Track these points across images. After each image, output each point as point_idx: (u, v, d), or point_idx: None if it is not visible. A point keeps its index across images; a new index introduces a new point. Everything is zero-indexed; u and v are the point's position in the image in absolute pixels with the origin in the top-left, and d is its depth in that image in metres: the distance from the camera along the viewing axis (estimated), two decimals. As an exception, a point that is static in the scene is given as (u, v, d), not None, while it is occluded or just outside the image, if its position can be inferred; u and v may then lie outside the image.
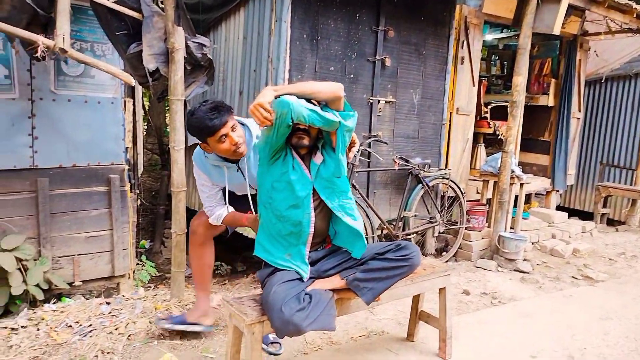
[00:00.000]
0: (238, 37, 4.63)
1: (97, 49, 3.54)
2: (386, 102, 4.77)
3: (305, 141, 2.38)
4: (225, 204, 2.85)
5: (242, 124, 2.76)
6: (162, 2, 2.97)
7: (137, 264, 4.20)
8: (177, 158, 3.11)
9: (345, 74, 4.49)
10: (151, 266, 4.23)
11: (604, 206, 7.43)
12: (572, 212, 7.80)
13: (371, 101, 4.68)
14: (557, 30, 4.82)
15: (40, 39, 2.42)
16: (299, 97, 2.24)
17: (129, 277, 3.88)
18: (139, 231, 6.46)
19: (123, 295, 3.65)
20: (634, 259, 5.63)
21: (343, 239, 2.61)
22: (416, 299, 3.15)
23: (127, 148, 3.77)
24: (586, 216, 7.70)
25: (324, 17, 4.28)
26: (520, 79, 4.98)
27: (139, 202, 4.40)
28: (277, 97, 2.23)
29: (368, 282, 2.50)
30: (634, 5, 5.69)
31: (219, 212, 2.78)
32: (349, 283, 2.50)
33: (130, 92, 3.81)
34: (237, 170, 2.75)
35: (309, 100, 2.29)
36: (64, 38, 2.43)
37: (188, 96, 3.09)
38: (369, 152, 4.69)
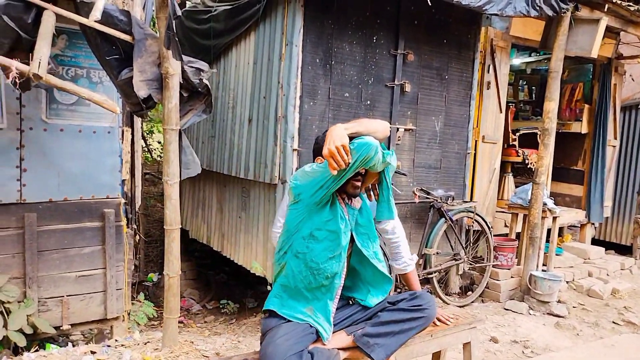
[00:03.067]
0: (248, 63, 4.39)
1: (94, 75, 3.33)
2: (405, 130, 4.44)
3: (359, 190, 2.21)
4: None
5: None
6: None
7: (135, 303, 3.92)
8: (170, 193, 2.83)
9: (362, 101, 4.19)
10: (150, 306, 3.93)
11: (644, 240, 6.88)
12: (608, 246, 7.24)
13: (389, 129, 4.35)
14: (595, 53, 4.46)
15: (14, 64, 2.19)
16: (363, 135, 1.97)
17: (124, 320, 3.58)
18: (148, 263, 6.21)
19: (116, 340, 3.35)
20: (681, 302, 5.10)
21: (357, 288, 2.32)
22: (436, 357, 2.76)
23: (124, 180, 3.52)
24: (623, 250, 7.14)
25: (339, 40, 4.01)
26: (552, 105, 4.60)
27: (137, 237, 4.14)
28: (350, 137, 1.94)
29: (379, 338, 2.16)
30: (675, 25, 5.28)
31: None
32: (357, 340, 2.16)
33: (129, 120, 3.58)
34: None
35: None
36: (39, 63, 2.20)
37: (184, 125, 2.82)
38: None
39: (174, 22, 2.57)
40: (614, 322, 4.41)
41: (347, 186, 2.15)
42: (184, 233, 5.96)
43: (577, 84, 6.86)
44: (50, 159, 3.22)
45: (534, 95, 7.80)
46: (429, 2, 3.65)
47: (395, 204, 4.45)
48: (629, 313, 4.63)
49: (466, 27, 4.68)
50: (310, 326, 2.11)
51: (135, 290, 4.91)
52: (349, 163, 1.92)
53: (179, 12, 2.56)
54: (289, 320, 2.12)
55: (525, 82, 7.85)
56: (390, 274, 2.70)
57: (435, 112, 4.61)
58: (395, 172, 4.28)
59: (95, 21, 2.50)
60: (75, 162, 3.31)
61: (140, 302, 3.93)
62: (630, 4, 4.88)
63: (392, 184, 4.23)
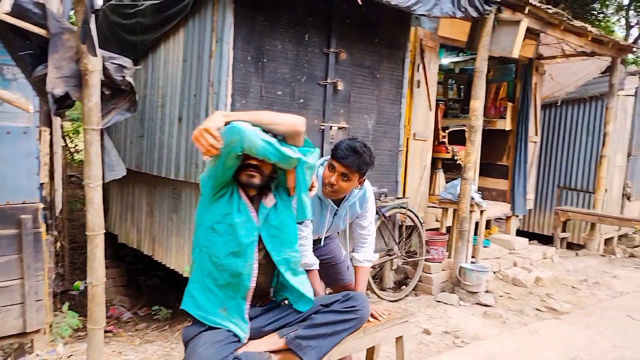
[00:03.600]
0: (177, 60, 4.26)
1: (7, 72, 3.09)
2: (339, 128, 4.47)
3: (256, 180, 2.06)
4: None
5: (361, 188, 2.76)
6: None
7: (58, 314, 3.69)
8: (92, 196, 2.67)
9: (295, 99, 4.17)
10: (74, 317, 3.72)
11: (563, 230, 7.32)
12: (532, 236, 7.67)
13: (322, 127, 4.37)
14: (516, 54, 4.68)
15: None
16: (253, 126, 1.93)
17: (45, 333, 3.37)
18: (74, 270, 5.89)
19: (37, 354, 3.15)
20: (596, 286, 5.47)
21: (286, 293, 2.26)
22: (370, 352, 2.79)
23: (42, 184, 3.29)
24: (545, 240, 7.59)
25: (270, 37, 3.96)
26: (477, 103, 4.78)
27: (58, 244, 3.90)
28: (227, 123, 1.93)
29: (312, 340, 2.14)
30: (589, 28, 5.64)
31: (308, 261, 2.59)
32: (289, 342, 2.13)
33: (48, 120, 3.36)
34: (333, 215, 2.77)
35: (265, 131, 1.97)
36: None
37: (106, 124, 2.68)
38: (322, 182, 4.35)
39: (93, 16, 2.43)
40: (537, 309, 4.65)
41: (241, 176, 2.07)
42: (112, 237, 5.71)
43: (502, 83, 7.19)
44: (-42, 162, 2.97)
45: (462, 94, 8.09)
46: (360, 2, 3.68)
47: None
48: (550, 300, 4.90)
49: (396, 26, 4.76)
50: (229, 332, 2.06)
51: (60, 300, 4.64)
52: (220, 149, 1.92)
53: (98, 5, 2.41)
54: (210, 327, 2.07)
55: (454, 81, 8.14)
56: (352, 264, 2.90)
57: (367, 110, 4.67)
58: (329, 170, 4.30)
59: (6, 14, 2.32)
60: (-14, 165, 3.07)
61: (64, 312, 3.71)
62: (549, 6, 5.16)
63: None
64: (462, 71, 8.23)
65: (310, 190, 2.24)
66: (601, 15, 14.36)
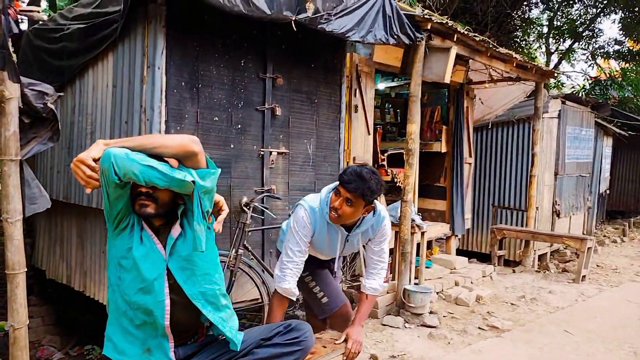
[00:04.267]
0: (107, 85, 4.08)
1: None
2: (278, 153, 4.42)
3: (149, 209, 1.90)
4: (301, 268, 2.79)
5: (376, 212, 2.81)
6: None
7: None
8: (12, 232, 2.48)
9: (232, 124, 4.10)
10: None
11: (500, 248, 7.56)
12: (471, 255, 7.87)
13: (262, 153, 4.31)
14: (447, 79, 4.84)
15: None
16: (137, 151, 1.79)
17: (-40, 383, 3.06)
18: (-5, 311, 5.45)
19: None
20: (533, 302, 5.64)
21: (215, 329, 2.14)
22: (316, 384, 2.71)
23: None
24: (484, 258, 7.80)
25: (205, 63, 3.89)
26: (414, 127, 4.89)
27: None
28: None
29: None
30: (514, 54, 5.94)
31: (289, 287, 2.66)
32: (232, 381, 2.02)
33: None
34: (345, 241, 2.81)
35: (157, 157, 1.84)
36: None
37: (26, 155, 2.51)
38: (262, 209, 4.27)
39: (10, 40, 2.28)
40: (479, 328, 4.72)
41: (134, 206, 1.93)
42: (40, 273, 5.33)
43: (436, 107, 7.44)
44: None
45: (399, 118, 8.30)
46: (294, 28, 3.70)
47: (272, 228, 4.42)
48: (492, 317, 5.00)
49: (332, 52, 4.82)
50: None
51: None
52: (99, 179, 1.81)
53: (16, 30, 2.28)
54: None
55: (390, 105, 8.34)
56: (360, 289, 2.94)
57: (307, 135, 4.66)
58: (270, 196, 4.24)
59: None
60: None
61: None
62: (476, 34, 5.40)
63: (265, 207, 4.19)
64: (398, 95, 8.45)
65: (217, 214, 2.11)
66: (524, 42, 15.27)
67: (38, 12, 2.52)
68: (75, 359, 4.96)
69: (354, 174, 2.48)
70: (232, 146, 4.10)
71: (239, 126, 4.15)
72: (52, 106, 2.49)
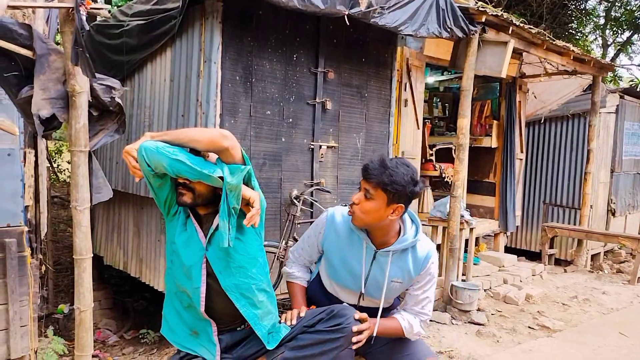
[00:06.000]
0: (164, 80, 4.23)
1: (-9, 92, 3.04)
2: (328, 147, 4.46)
3: (186, 198, 1.97)
4: (310, 272, 2.49)
5: (412, 221, 2.28)
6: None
7: (43, 339, 3.58)
8: (80, 220, 2.61)
9: (284, 118, 4.16)
10: (59, 342, 3.61)
11: (551, 246, 7.36)
12: (519, 253, 7.70)
13: (312, 146, 4.35)
14: (504, 73, 4.74)
15: None
16: (175, 145, 1.87)
17: (30, 359, 3.25)
18: (58, 293, 5.75)
19: (20, 383, 3.03)
20: (586, 303, 5.48)
21: None
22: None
23: (27, 207, 3.21)
24: (532, 256, 7.62)
25: (259, 57, 3.96)
26: (465, 121, 4.82)
27: (43, 268, 3.81)
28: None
29: None
30: (571, 47, 5.75)
31: (292, 271, 2.42)
32: (276, 365, 2.06)
33: (32, 141, 3.30)
34: (372, 260, 2.21)
35: (193, 150, 1.92)
36: None
37: (94, 146, 2.63)
38: (312, 202, 4.32)
39: (82, 36, 2.40)
40: (529, 327, 4.63)
41: (177, 195, 2.00)
42: (98, 259, 5.59)
43: (486, 101, 7.28)
44: (-61, 185, 2.89)
45: (447, 112, 8.19)
46: (347, 22, 3.71)
47: (320, 221, 4.45)
48: (542, 317, 4.88)
49: (383, 46, 4.80)
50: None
51: (44, 324, 4.51)
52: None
53: (87, 27, 2.39)
54: (187, 355, 2.04)
55: (438, 100, 8.23)
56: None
57: (356, 129, 4.67)
58: (319, 189, 4.29)
59: (-9, 35, 2.28)
60: (-31, 188, 2.99)
61: (49, 338, 3.59)
62: (532, 27, 5.25)
63: (314, 200, 4.23)
64: (447, 89, 8.33)
65: (248, 207, 1.98)
66: (579, 34, 14.70)
67: (106, 9, 2.63)
68: (130, 342, 5.18)
69: (376, 162, 2.07)
70: (283, 140, 4.17)
71: (290, 120, 4.20)
72: (119, 100, 2.60)
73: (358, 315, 2.08)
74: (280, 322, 2.17)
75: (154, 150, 1.83)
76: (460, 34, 4.49)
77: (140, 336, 5.03)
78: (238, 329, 2.10)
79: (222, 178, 1.85)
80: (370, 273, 2.22)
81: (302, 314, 2.15)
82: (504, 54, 4.71)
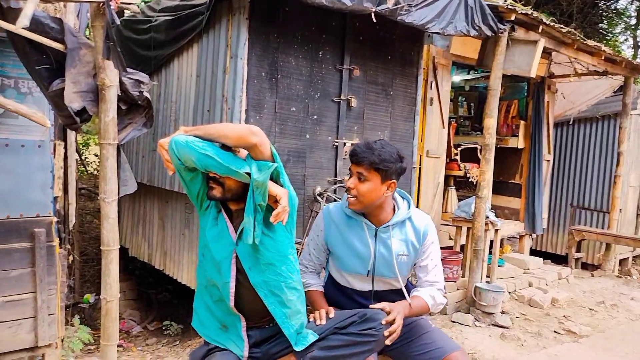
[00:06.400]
0: (191, 75, 4.27)
1: (22, 85, 3.11)
2: (352, 144, 4.43)
3: (215, 192, 1.98)
4: (321, 272, 2.49)
5: (403, 197, 2.41)
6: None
7: (69, 327, 3.66)
8: (108, 212, 2.66)
9: (308, 115, 4.16)
10: (85, 331, 3.68)
11: (578, 250, 7.20)
12: (545, 256, 7.54)
13: (336, 144, 4.34)
14: (533, 73, 4.66)
15: None
16: (206, 140, 1.88)
17: (57, 347, 3.32)
18: (84, 283, 5.87)
19: (47, 370, 3.10)
20: (614, 309, 5.35)
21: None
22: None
23: (56, 197, 3.28)
24: (558, 259, 7.47)
25: (284, 54, 3.97)
26: (491, 121, 4.75)
27: (71, 257, 3.88)
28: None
29: None
30: (603, 47, 5.61)
31: (305, 281, 2.39)
32: (305, 364, 2.06)
33: (62, 133, 3.36)
34: (374, 237, 2.29)
35: (226, 146, 1.93)
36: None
37: (122, 140, 2.67)
38: (335, 199, 4.31)
39: (112, 31, 2.43)
40: (555, 332, 4.54)
41: (208, 189, 2.01)
42: (123, 251, 5.66)
43: (512, 101, 7.16)
44: (-28, 175, 2.97)
45: (472, 111, 8.08)
46: (374, 19, 3.69)
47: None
48: (568, 322, 4.79)
49: (410, 44, 4.76)
50: (232, 353, 2.02)
51: (70, 313, 4.60)
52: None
53: (117, 21, 2.42)
54: (216, 347, 2.05)
55: (464, 99, 8.12)
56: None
57: (381, 127, 4.65)
58: (343, 187, 4.27)
59: (24, 28, 2.32)
60: (1, 178, 3.05)
61: (75, 326, 3.67)
62: (562, 26, 5.14)
63: (338, 197, 4.22)
64: (472, 89, 8.22)
65: (276, 204, 1.94)
66: (610, 34, 14.36)
67: (136, 4, 2.66)
68: (153, 333, 5.26)
69: (362, 146, 2.19)
70: (307, 136, 4.17)
71: (315, 117, 4.20)
72: (147, 94, 2.64)
73: (384, 320, 2.09)
74: (308, 321, 2.16)
75: (183, 144, 1.84)
76: (488, 33, 4.42)
77: (163, 327, 5.11)
78: (266, 326, 2.11)
79: (248, 174, 1.85)
80: (377, 252, 2.30)
81: (331, 315, 2.15)
82: (534, 53, 4.62)
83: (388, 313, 2.12)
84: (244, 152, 1.97)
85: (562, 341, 4.34)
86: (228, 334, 2.04)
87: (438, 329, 2.44)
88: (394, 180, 2.23)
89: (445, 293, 4.81)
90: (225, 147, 1.92)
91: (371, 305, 2.19)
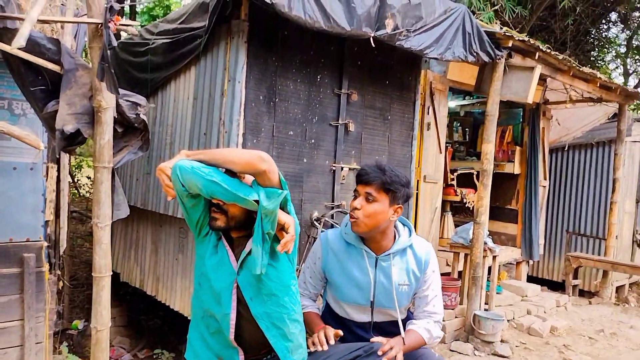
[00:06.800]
0: (188, 98, 4.23)
1: (16, 107, 3.05)
2: (350, 169, 4.39)
3: (219, 222, 1.89)
4: (317, 299, 2.43)
5: (404, 224, 2.36)
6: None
7: (56, 355, 3.52)
8: (101, 237, 2.57)
9: (306, 139, 4.12)
10: (74, 361, 3.55)
11: (575, 277, 7.14)
12: (541, 282, 7.48)
13: (334, 168, 4.30)
14: (530, 99, 4.66)
15: None
16: (210, 165, 1.79)
17: (43, 378, 3.20)
18: (73, 309, 5.71)
19: (32, 403, 2.97)
20: (613, 337, 5.27)
21: None
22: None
23: (47, 221, 3.19)
24: (554, 286, 7.40)
25: (283, 77, 3.94)
26: (489, 147, 4.73)
27: (60, 284, 3.77)
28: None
29: None
30: (598, 74, 5.66)
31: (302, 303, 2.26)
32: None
33: (55, 156, 3.29)
34: (375, 267, 2.21)
35: (230, 171, 1.83)
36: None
37: (118, 163, 2.60)
38: (332, 224, 4.24)
39: (108, 52, 2.39)
40: (555, 361, 4.46)
41: (210, 219, 1.92)
42: (114, 276, 5.48)
43: (507, 126, 7.18)
44: (-39, 198, 2.88)
45: (467, 137, 8.09)
46: (373, 44, 3.68)
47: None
48: (569, 351, 4.70)
49: (407, 69, 4.76)
50: None
51: (58, 340, 4.45)
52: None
53: (115, 43, 2.38)
54: None
55: (459, 124, 8.15)
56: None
57: (378, 152, 4.61)
58: (341, 211, 4.21)
59: (20, 49, 2.28)
60: (-9, 201, 2.97)
61: (64, 354, 3.54)
62: (557, 53, 5.17)
63: (335, 223, 4.15)
64: (468, 114, 8.25)
65: (281, 232, 1.88)
66: (600, 62, 14.56)
67: (134, 26, 2.62)
68: (143, 362, 5.10)
69: (371, 166, 2.15)
70: (305, 160, 4.12)
71: (313, 141, 4.16)
72: (144, 117, 2.58)
73: (381, 350, 2.02)
74: (308, 350, 2.07)
75: (188, 170, 1.75)
76: (486, 59, 4.44)
77: (154, 356, 4.95)
78: (264, 359, 2.02)
79: (257, 202, 1.77)
80: (377, 281, 2.23)
81: (331, 342, 2.06)
82: (530, 80, 4.63)
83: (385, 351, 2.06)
84: (249, 178, 1.89)
85: (564, 372, 4.25)
86: None
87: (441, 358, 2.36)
88: (401, 206, 2.18)
89: (444, 321, 4.74)
90: (229, 173, 1.83)
91: (373, 339, 2.12)
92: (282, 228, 1.87)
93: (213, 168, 1.79)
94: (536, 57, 4.80)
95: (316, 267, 2.36)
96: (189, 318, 4.06)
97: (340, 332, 2.16)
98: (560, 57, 5.12)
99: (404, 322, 2.31)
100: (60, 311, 4.88)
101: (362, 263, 2.24)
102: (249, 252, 1.88)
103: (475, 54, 4.35)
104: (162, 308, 4.93)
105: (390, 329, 2.27)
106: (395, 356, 2.05)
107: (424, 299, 2.31)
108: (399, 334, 2.21)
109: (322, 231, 3.59)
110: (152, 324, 5.92)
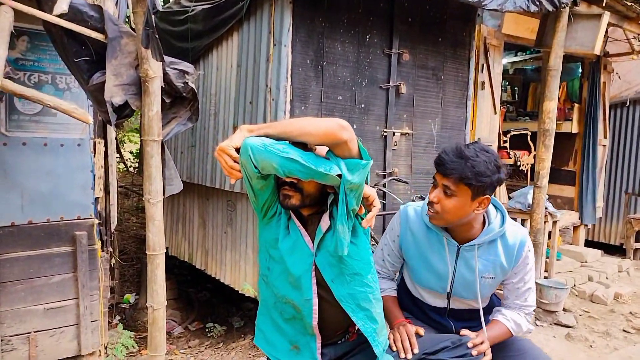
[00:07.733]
0: (231, 66, 4.05)
1: (60, 81, 2.94)
2: (402, 134, 4.16)
3: (293, 200, 1.67)
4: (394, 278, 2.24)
5: (496, 208, 2.03)
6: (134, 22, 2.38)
7: (112, 333, 3.52)
8: (154, 213, 2.46)
9: (355, 104, 3.90)
10: (128, 336, 3.54)
11: (636, 240, 6.76)
12: (597, 246, 7.13)
13: (385, 133, 4.07)
14: (597, 50, 4.28)
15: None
16: (281, 139, 1.56)
17: (100, 355, 3.18)
18: (123, 283, 5.78)
19: (92, 379, 2.96)
20: (684, 304, 4.95)
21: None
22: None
23: (97, 198, 3.12)
24: (613, 250, 7.04)
25: (330, 39, 3.71)
26: (552, 105, 4.39)
27: (113, 261, 3.74)
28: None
29: None
30: (671, 21, 5.16)
31: (383, 287, 2.12)
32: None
33: (102, 131, 3.20)
34: (455, 257, 1.98)
35: (300, 143, 1.59)
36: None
37: (167, 136, 2.46)
38: (384, 192, 4.05)
39: (152, 18, 2.22)
40: (624, 330, 4.20)
41: (279, 196, 1.71)
42: (162, 250, 5.56)
43: (561, 83, 6.72)
44: (11, 177, 2.82)
45: (516, 96, 7.66)
46: (428, -3, 3.40)
47: (393, 214, 4.20)
48: (636, 319, 4.43)
49: (461, 24, 4.44)
50: None
51: (111, 314, 4.49)
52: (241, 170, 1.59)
53: (160, 6, 2.21)
54: None
55: (507, 83, 7.70)
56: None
57: (431, 115, 4.35)
58: (396, 179, 4.01)
59: (61, 17, 2.13)
60: (40, 179, 2.90)
61: (119, 332, 3.53)
62: (626, -1, 4.73)
63: (389, 192, 3.96)
64: (517, 72, 7.79)
65: (367, 210, 1.71)
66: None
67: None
68: (195, 334, 5.11)
69: (451, 152, 1.81)
70: (355, 126, 3.91)
71: (362, 105, 3.94)
72: (193, 85, 2.42)
73: (471, 342, 1.87)
74: (392, 349, 1.92)
75: (261, 149, 1.51)
76: (550, 7, 4.06)
77: (205, 329, 4.96)
78: (339, 342, 1.87)
79: (339, 176, 1.55)
80: (457, 271, 1.99)
81: (412, 338, 1.92)
82: (598, 29, 4.24)
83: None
84: (322, 150, 1.66)
85: (634, 341, 4.00)
86: (300, 356, 1.80)
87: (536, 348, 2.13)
88: (488, 196, 1.86)
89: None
90: (299, 145, 1.60)
91: (462, 332, 1.95)
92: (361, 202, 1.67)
93: (285, 143, 1.56)
94: (604, 4, 4.38)
95: (395, 245, 2.14)
96: (241, 292, 3.99)
97: (422, 332, 1.97)
98: (629, 3, 4.66)
99: (486, 309, 2.10)
100: (112, 286, 4.93)
101: (442, 251, 2.00)
102: (327, 230, 1.69)
103: (537, 2, 3.97)
104: (209, 280, 4.90)
105: (468, 315, 2.08)
106: (485, 352, 1.87)
107: (514, 292, 2.05)
108: (478, 320, 2.02)
109: (402, 203, 3.36)
110: (200, 296, 5.94)
